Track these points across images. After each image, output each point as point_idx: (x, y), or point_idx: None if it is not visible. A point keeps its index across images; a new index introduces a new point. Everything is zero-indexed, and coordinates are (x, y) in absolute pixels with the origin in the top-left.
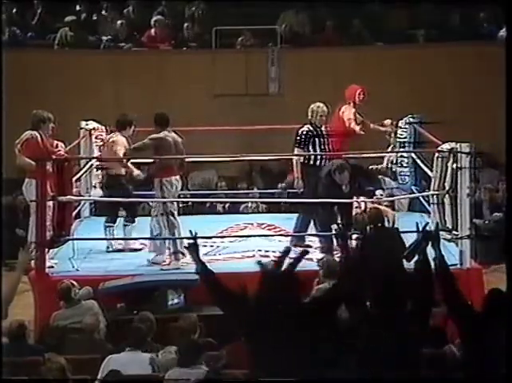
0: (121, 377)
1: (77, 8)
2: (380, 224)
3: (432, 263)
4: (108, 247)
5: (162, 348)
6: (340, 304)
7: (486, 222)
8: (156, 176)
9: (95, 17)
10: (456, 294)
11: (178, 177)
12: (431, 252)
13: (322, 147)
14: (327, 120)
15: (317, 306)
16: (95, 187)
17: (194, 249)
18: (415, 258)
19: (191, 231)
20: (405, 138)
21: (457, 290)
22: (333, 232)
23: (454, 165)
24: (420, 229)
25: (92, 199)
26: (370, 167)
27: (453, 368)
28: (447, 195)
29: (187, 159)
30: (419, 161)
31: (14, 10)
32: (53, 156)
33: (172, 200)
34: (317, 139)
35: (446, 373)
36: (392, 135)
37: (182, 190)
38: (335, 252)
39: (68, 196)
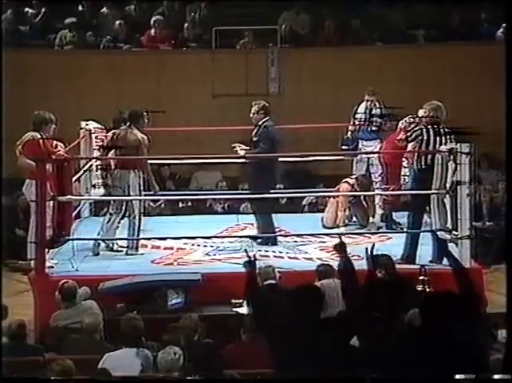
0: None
1: (78, 8)
2: None
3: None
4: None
5: (162, 348)
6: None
7: (486, 223)
8: None
9: (95, 18)
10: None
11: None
12: None
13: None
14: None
15: None
16: (94, 187)
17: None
18: None
19: None
20: None
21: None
22: None
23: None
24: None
25: (92, 199)
26: None
27: None
28: (447, 195)
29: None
30: None
31: (14, 10)
32: (53, 156)
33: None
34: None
35: None
36: None
37: (183, 189)
38: None
39: (68, 196)
